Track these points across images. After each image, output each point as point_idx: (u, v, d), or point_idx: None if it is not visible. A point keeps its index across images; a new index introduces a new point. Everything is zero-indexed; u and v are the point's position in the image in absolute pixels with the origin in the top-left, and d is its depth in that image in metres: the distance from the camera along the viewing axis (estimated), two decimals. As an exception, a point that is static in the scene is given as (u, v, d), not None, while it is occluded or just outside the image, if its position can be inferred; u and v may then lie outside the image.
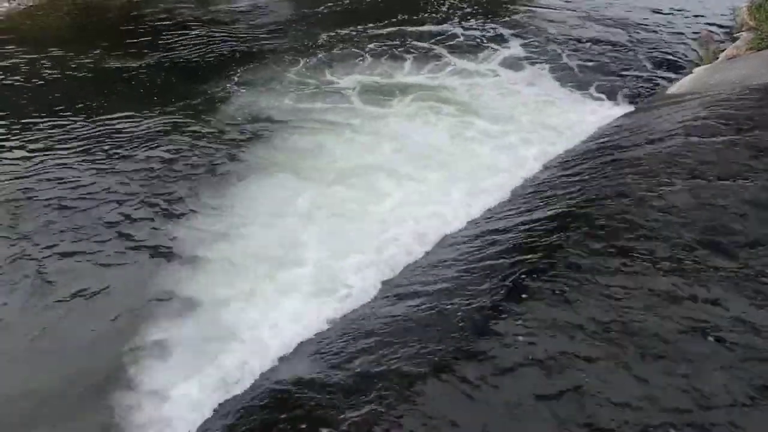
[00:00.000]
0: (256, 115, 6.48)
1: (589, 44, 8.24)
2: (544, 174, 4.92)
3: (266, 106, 6.70)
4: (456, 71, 7.48)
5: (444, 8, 9.72)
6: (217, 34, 8.85)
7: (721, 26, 8.89)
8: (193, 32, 8.94)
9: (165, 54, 8.10)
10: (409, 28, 8.85)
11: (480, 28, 8.99)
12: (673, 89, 6.65)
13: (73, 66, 7.69)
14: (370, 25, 8.97)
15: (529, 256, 3.22)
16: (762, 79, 5.32)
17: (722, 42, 7.91)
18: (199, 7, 10.36)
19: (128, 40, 8.59)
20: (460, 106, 6.48)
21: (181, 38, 8.66)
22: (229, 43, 8.58)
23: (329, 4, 10.10)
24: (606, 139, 5.18)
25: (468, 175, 5.13)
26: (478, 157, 5.47)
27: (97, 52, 8.10)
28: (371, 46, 8.25)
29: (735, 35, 8.04)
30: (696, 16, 9.47)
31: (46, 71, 7.53)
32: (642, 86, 7.05)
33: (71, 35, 8.94)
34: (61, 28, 9.21)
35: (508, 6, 10.15)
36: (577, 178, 4.15)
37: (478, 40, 8.51)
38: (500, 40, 8.52)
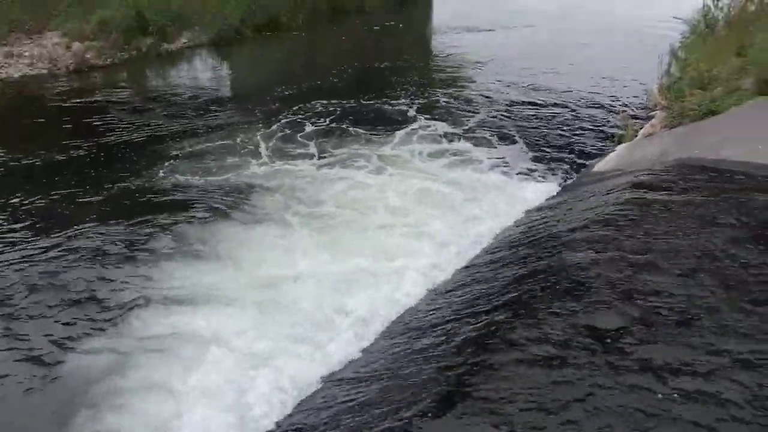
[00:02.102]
0: (189, 198, 6.55)
1: (519, 125, 8.71)
2: (479, 258, 5.09)
3: (199, 186, 6.84)
4: (370, 156, 7.69)
5: (382, 88, 10.27)
6: (154, 121, 9.00)
7: (637, 105, 9.64)
8: (132, 116, 9.16)
9: (98, 139, 8.19)
10: (329, 106, 9.24)
11: (413, 106, 9.50)
12: (599, 166, 7.07)
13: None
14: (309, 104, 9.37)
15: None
16: (676, 154, 5.78)
17: (640, 120, 8.53)
18: (139, 92, 10.63)
19: (63, 126, 8.72)
20: (384, 194, 6.57)
21: (115, 122, 8.84)
22: (168, 126, 8.76)
23: (275, 85, 10.60)
24: (538, 218, 5.45)
25: (393, 269, 5.08)
26: (401, 247, 5.46)
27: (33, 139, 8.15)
28: (309, 129, 8.58)
29: (650, 113, 8.70)
30: (616, 96, 10.24)
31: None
32: (571, 165, 7.48)
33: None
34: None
35: (443, 85, 10.81)
36: (509, 260, 4.37)
37: (412, 120, 8.98)
38: (431, 119, 9.01)
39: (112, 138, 8.22)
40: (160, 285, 4.86)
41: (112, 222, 5.89)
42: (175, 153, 7.73)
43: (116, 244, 5.47)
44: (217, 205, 6.32)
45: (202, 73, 12.23)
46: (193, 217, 6.03)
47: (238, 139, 8.23)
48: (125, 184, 6.83)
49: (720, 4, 10.98)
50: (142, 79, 11.75)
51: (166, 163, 7.40)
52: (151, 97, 10.28)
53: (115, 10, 12.97)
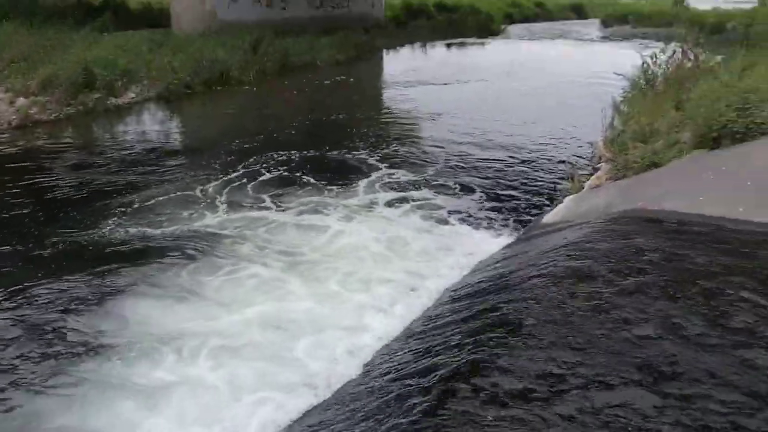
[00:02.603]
0: (141, 249, 6.37)
1: (474, 177, 8.80)
2: (435, 310, 5.02)
3: (152, 237, 6.61)
4: (331, 205, 7.63)
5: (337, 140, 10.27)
6: (101, 176, 8.77)
7: (584, 157, 9.87)
8: (78, 171, 8.92)
9: (42, 195, 7.91)
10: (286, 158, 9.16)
11: (371, 157, 9.52)
12: (548, 217, 7.12)
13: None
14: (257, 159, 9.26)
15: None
16: (620, 206, 5.86)
17: (588, 172, 8.70)
18: (85, 147, 10.42)
19: (2, 183, 8.35)
20: (331, 251, 6.44)
21: (59, 178, 8.57)
22: (116, 180, 8.56)
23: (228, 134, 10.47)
24: (491, 271, 5.42)
25: (344, 326, 4.91)
26: (355, 301, 5.33)
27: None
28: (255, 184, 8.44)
29: (596, 165, 8.88)
30: (565, 148, 10.51)
31: None
32: (523, 216, 7.54)
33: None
34: None
35: (398, 137, 10.90)
36: (463, 313, 4.30)
37: (371, 170, 9.01)
38: (390, 170, 9.09)
39: (57, 194, 7.94)
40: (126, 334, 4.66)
41: (57, 277, 5.63)
42: (124, 207, 7.50)
43: (65, 299, 5.23)
44: (173, 253, 6.17)
45: (151, 127, 12.06)
46: (148, 266, 5.85)
47: (192, 191, 8.07)
48: (72, 239, 6.55)
49: (658, 62, 11.47)
50: (88, 134, 11.52)
51: (116, 218, 7.15)
52: (98, 151, 10.05)
53: (62, 66, 12.82)
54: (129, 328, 4.88)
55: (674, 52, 11.61)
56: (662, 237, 4.71)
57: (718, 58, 11.64)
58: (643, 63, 11.43)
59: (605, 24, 41.42)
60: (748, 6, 40.31)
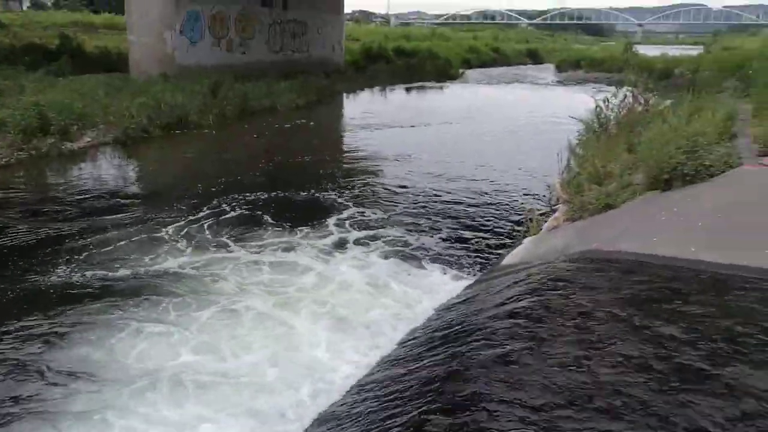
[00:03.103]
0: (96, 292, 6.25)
1: (429, 221, 8.83)
2: (398, 351, 4.96)
3: (107, 280, 6.45)
4: (298, 246, 7.52)
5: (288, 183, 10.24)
6: (53, 222, 8.50)
7: (543, 199, 10.02)
8: (28, 217, 8.64)
9: None
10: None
11: (328, 201, 9.42)
12: (508, 259, 7.15)
13: None
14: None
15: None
16: (577, 248, 5.92)
17: (544, 214, 8.81)
18: (36, 192, 10.16)
19: None
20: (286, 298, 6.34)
21: (7, 224, 8.31)
22: (70, 225, 8.32)
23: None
24: (450, 315, 5.40)
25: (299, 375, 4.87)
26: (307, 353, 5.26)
27: None
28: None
29: (554, 207, 9.02)
30: (524, 190, 10.70)
31: None
32: (481, 259, 7.58)
33: None
34: None
35: (357, 180, 10.90)
36: (428, 359, 4.25)
37: (334, 212, 8.95)
38: (353, 213, 9.09)
39: (5, 241, 7.66)
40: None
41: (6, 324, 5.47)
42: (77, 253, 7.30)
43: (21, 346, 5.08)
44: (136, 295, 6.10)
45: (107, 171, 11.84)
46: (99, 310, 5.75)
47: (152, 235, 7.95)
48: (20, 287, 6.34)
49: (611, 105, 11.82)
50: (41, 179, 11.24)
51: (66, 264, 6.96)
52: (50, 197, 9.79)
53: (15, 110, 12.58)
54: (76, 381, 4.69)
55: (625, 96, 12.01)
56: (616, 278, 4.76)
57: (667, 102, 12.10)
58: (596, 107, 11.77)
59: (559, 69, 42.77)
60: (694, 52, 42.25)
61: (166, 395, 4.55)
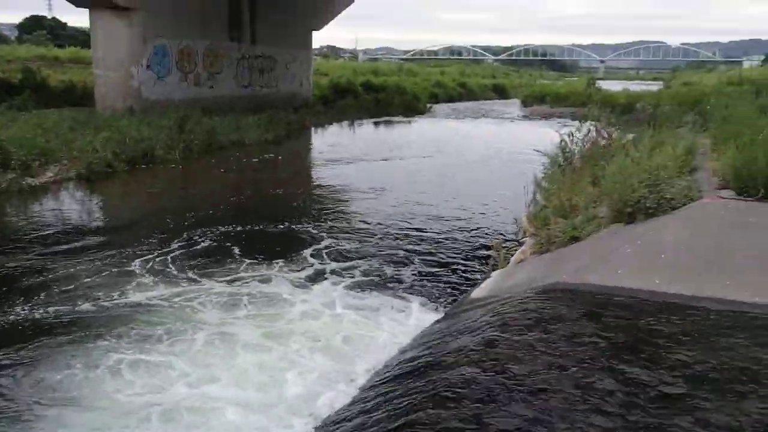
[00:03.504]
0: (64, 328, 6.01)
1: (396, 257, 8.78)
2: (367, 392, 4.88)
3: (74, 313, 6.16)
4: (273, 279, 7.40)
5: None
6: (13, 260, 8.18)
7: (510, 232, 10.08)
8: None
9: None
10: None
11: (303, 233, 9.33)
12: (476, 292, 7.14)
13: None
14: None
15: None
16: (544, 280, 5.94)
17: (512, 247, 8.86)
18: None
19: None
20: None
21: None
22: (33, 263, 8.05)
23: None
24: (421, 348, 5.35)
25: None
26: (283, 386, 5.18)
27: None
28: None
29: (521, 240, 9.08)
30: (494, 222, 10.76)
31: None
32: (449, 293, 7.56)
33: None
34: None
35: (326, 215, 10.84)
36: (398, 394, 4.18)
37: (308, 245, 8.83)
38: (327, 247, 9.00)
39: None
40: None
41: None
42: (36, 289, 7.09)
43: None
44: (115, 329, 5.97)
45: (69, 207, 11.61)
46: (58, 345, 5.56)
47: (120, 269, 7.81)
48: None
49: (575, 140, 12.06)
50: None
51: (23, 302, 6.73)
52: (10, 233, 9.52)
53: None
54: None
55: (589, 130, 12.27)
56: (582, 310, 4.78)
57: (630, 136, 12.38)
58: (561, 141, 11.99)
59: (525, 104, 43.57)
60: (654, 88, 43.54)
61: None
